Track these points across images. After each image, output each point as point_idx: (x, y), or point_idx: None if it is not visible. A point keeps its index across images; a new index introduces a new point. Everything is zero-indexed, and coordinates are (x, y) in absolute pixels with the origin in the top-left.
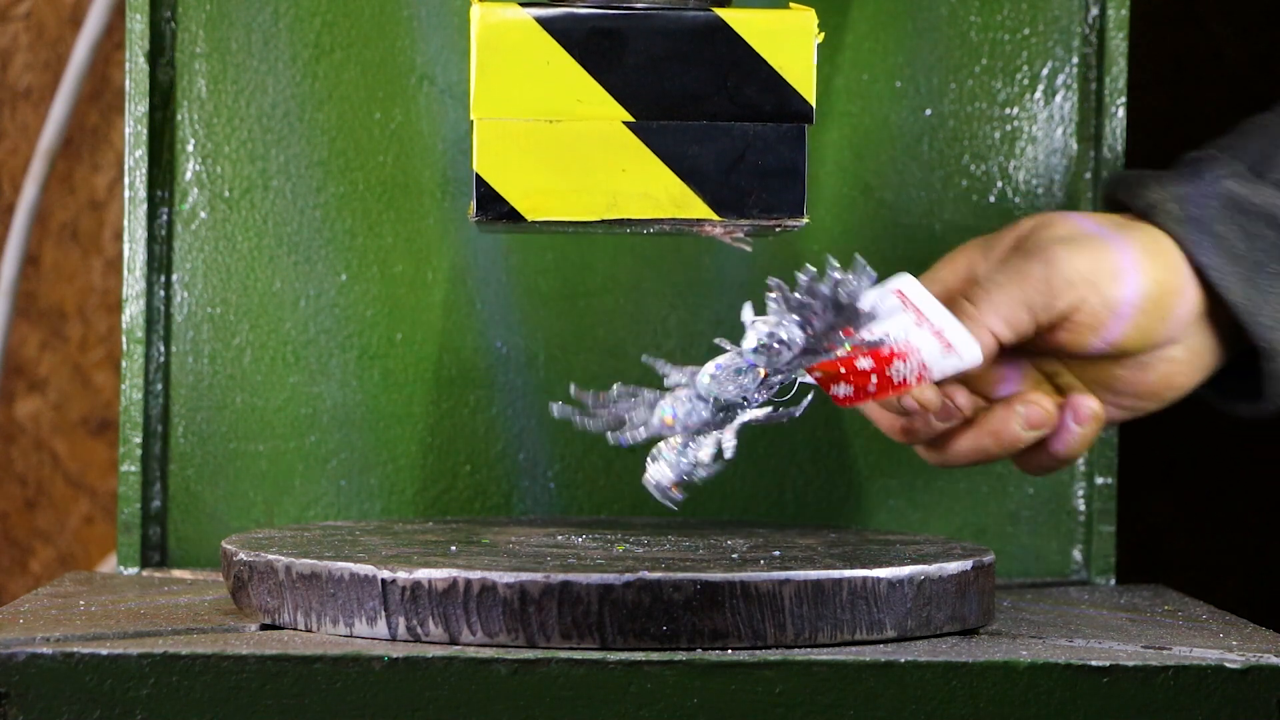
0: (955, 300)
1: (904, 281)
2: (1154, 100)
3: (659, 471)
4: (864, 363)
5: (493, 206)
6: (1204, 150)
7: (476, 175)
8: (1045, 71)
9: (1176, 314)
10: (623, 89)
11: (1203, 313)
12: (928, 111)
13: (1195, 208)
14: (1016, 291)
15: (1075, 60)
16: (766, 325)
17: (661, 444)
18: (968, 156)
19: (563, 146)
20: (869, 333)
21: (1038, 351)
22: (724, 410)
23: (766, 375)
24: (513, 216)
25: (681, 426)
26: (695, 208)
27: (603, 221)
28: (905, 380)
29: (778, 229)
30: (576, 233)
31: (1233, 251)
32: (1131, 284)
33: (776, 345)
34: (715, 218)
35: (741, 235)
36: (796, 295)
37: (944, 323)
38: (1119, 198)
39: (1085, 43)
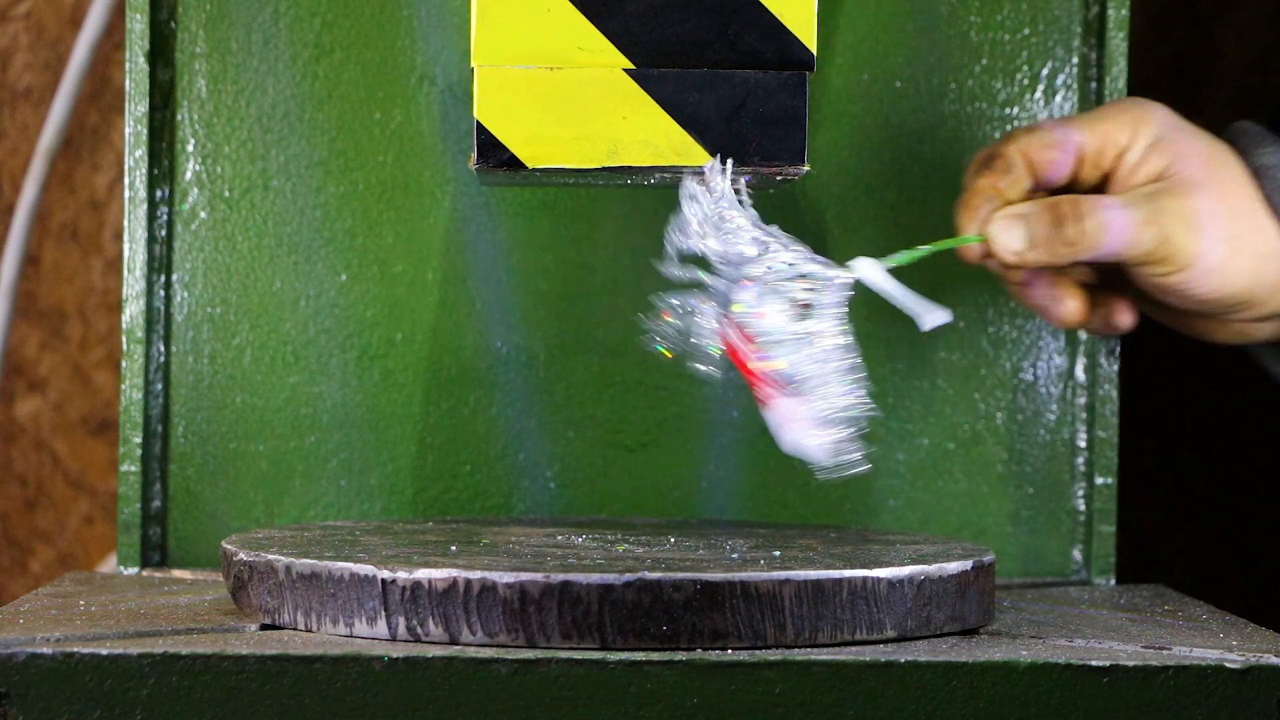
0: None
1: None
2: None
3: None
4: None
5: (493, 154)
6: None
7: (477, 123)
8: (1045, 71)
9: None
10: (623, 36)
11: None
12: (929, 111)
13: None
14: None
15: (1075, 60)
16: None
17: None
18: (968, 157)
19: (563, 94)
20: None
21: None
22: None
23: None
24: (513, 164)
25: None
26: (696, 155)
27: (604, 169)
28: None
29: (779, 178)
30: (577, 183)
31: None
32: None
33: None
34: None
35: (742, 186)
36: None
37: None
38: (1237, 145)
39: (1085, 43)
